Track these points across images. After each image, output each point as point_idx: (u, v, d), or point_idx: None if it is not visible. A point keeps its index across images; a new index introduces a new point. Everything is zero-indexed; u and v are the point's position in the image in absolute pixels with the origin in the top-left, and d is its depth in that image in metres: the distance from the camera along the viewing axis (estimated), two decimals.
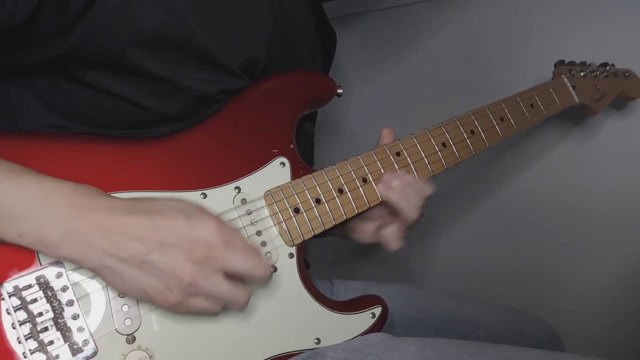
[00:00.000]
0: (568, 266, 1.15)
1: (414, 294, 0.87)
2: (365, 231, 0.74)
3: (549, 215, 1.15)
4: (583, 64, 0.98)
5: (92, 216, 0.49)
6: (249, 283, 0.54)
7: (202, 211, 0.53)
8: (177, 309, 0.51)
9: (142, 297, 0.52)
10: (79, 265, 0.51)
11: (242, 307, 0.54)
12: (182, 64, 0.59)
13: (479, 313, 0.86)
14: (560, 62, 0.96)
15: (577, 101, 0.92)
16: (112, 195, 0.54)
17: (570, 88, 0.92)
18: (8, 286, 0.50)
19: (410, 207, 0.67)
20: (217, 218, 0.53)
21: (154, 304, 0.52)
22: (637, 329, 1.08)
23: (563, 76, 0.92)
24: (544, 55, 1.04)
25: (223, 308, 0.53)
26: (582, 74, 0.95)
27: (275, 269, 0.62)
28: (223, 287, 0.52)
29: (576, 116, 1.07)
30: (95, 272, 0.52)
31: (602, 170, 1.08)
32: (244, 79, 0.65)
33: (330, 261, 1.40)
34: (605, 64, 1.00)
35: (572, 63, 0.97)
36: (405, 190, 0.68)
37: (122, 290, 0.52)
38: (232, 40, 0.62)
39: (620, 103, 1.03)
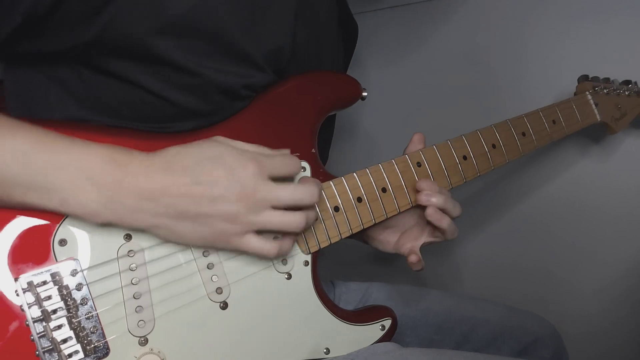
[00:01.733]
0: (568, 266, 1.15)
1: (415, 294, 0.87)
2: (388, 242, 0.74)
3: (550, 215, 1.15)
4: (606, 80, 0.97)
5: (132, 182, 0.49)
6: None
7: (238, 154, 0.53)
8: (239, 248, 0.54)
9: (202, 244, 0.55)
10: (128, 228, 0.52)
11: (302, 229, 0.56)
12: (208, 55, 0.57)
13: (479, 311, 0.86)
14: (584, 78, 0.95)
15: (599, 119, 0.91)
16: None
17: (594, 106, 0.91)
18: (23, 281, 0.49)
19: (454, 231, 0.69)
20: (254, 157, 0.53)
21: (211, 248, 0.56)
22: (637, 329, 1.08)
23: (587, 93, 0.91)
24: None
25: (280, 251, 0.55)
26: (605, 91, 0.94)
27: (289, 276, 0.61)
28: (278, 218, 0.53)
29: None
30: (148, 231, 0.52)
31: (602, 171, 1.08)
32: (269, 73, 0.64)
33: (331, 262, 1.40)
34: (627, 82, 0.99)
35: (595, 79, 0.96)
36: (452, 208, 0.68)
37: (182, 241, 0.54)
38: (258, 29, 0.61)
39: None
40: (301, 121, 0.66)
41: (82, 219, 0.50)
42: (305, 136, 0.66)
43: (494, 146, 0.78)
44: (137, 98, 0.58)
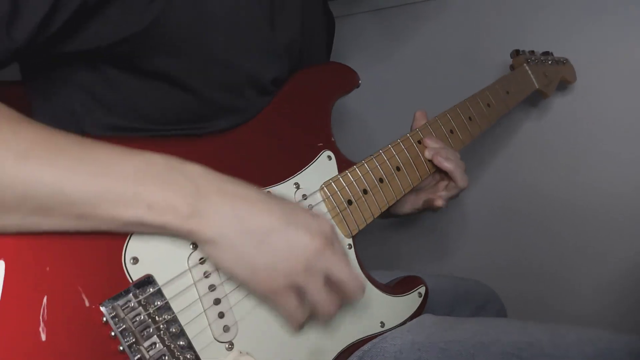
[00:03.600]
0: (567, 265, 1.19)
1: (386, 275, 0.93)
2: (406, 200, 0.81)
3: (549, 214, 1.20)
4: (532, 52, 1.11)
5: (228, 187, 0.48)
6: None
7: (322, 215, 0.54)
8: (272, 296, 0.50)
9: (243, 275, 0.49)
10: (198, 235, 0.47)
11: (330, 315, 0.52)
12: (245, 49, 0.58)
13: (437, 284, 0.92)
14: (516, 52, 1.07)
15: (537, 87, 1.03)
16: None
17: (532, 76, 1.03)
18: (107, 307, 0.46)
19: (463, 176, 0.76)
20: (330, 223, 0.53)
21: (252, 283, 0.50)
22: (636, 328, 1.10)
23: (525, 65, 1.03)
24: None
25: (306, 319, 0.53)
26: (535, 62, 1.07)
27: None
28: (321, 289, 0.51)
29: (577, 115, 1.17)
30: (210, 242, 0.48)
31: (601, 170, 1.14)
32: (287, 64, 0.65)
33: None
34: (547, 53, 1.13)
35: (523, 52, 1.08)
36: (457, 160, 0.76)
37: (228, 265, 0.49)
38: (278, 20, 0.63)
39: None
40: (319, 112, 0.68)
41: (165, 223, 0.46)
42: (323, 125, 0.68)
43: (470, 119, 0.86)
44: (171, 98, 0.56)
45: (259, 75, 0.60)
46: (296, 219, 0.49)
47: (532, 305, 1.01)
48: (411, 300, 0.69)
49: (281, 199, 0.51)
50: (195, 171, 0.48)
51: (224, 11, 0.53)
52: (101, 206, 0.43)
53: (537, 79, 1.05)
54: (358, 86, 0.77)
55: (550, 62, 1.11)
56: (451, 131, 0.82)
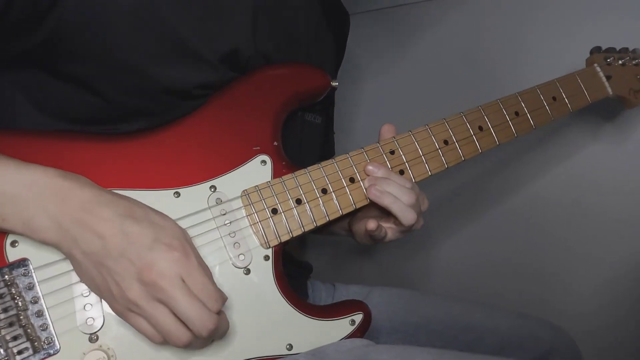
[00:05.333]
0: (568, 266, 1.10)
1: (417, 299, 0.84)
2: (361, 232, 0.71)
3: (549, 215, 1.10)
4: (624, 50, 0.88)
5: (73, 204, 0.50)
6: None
7: (177, 238, 0.51)
8: (121, 317, 0.52)
9: (95, 292, 0.53)
10: (56, 248, 0.52)
11: (181, 347, 0.50)
12: (157, 55, 0.58)
13: (486, 319, 0.81)
14: (597, 49, 0.87)
15: (611, 93, 0.83)
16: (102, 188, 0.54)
17: (604, 78, 0.83)
18: None
19: (405, 212, 0.64)
20: (187, 251, 0.51)
21: (101, 298, 0.53)
22: (636, 329, 1.03)
23: (595, 65, 0.83)
24: (551, 49, 0.97)
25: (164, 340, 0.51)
26: (620, 62, 0.85)
27: (248, 271, 0.60)
28: (164, 320, 0.49)
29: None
30: (67, 258, 0.53)
31: (602, 169, 1.02)
32: (226, 72, 0.63)
33: (335, 265, 1.38)
34: None
35: (610, 50, 0.87)
36: (402, 193, 0.64)
37: (81, 279, 0.53)
38: (210, 28, 0.60)
39: None
40: (261, 114, 0.65)
41: (20, 234, 0.52)
42: (265, 130, 0.65)
43: (480, 128, 0.73)
44: (85, 100, 0.59)
45: (177, 82, 0.59)
46: (131, 247, 0.49)
47: (531, 306, 0.96)
48: (338, 327, 0.62)
49: (133, 220, 0.51)
50: (56, 187, 0.50)
51: (123, 14, 0.54)
52: None
53: (616, 83, 0.83)
54: (333, 89, 0.71)
55: None
56: (445, 142, 0.71)
